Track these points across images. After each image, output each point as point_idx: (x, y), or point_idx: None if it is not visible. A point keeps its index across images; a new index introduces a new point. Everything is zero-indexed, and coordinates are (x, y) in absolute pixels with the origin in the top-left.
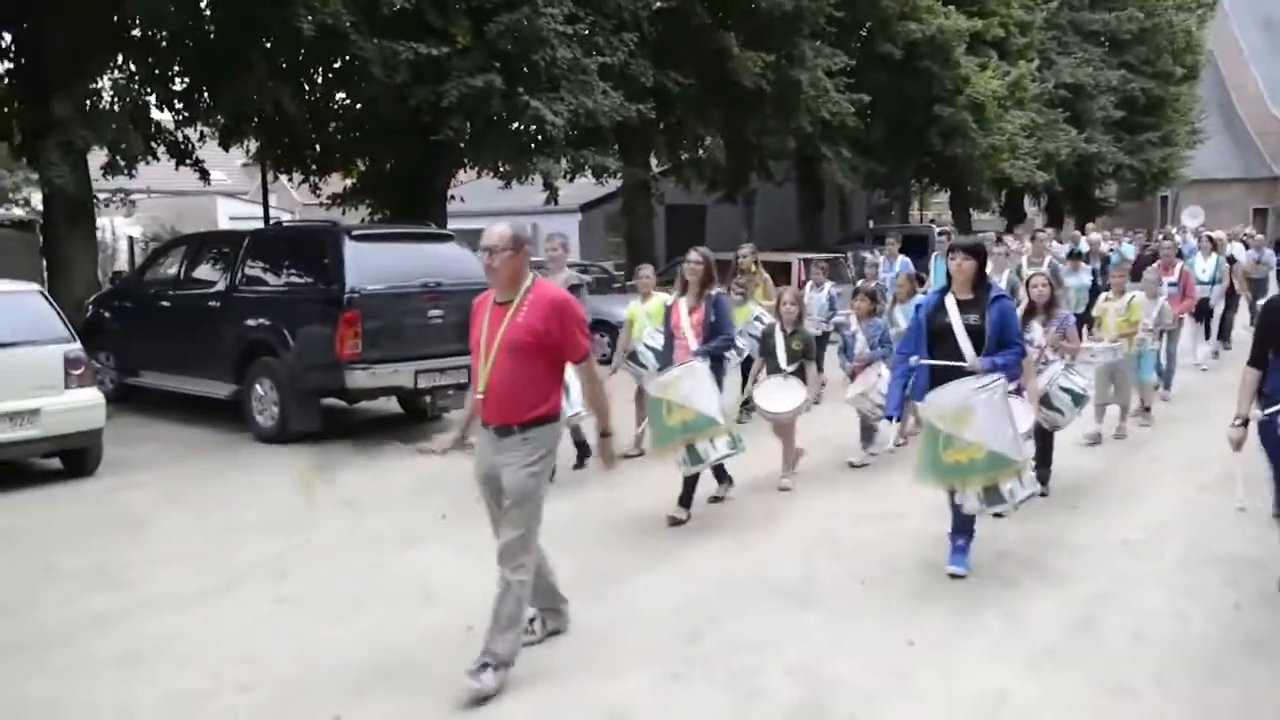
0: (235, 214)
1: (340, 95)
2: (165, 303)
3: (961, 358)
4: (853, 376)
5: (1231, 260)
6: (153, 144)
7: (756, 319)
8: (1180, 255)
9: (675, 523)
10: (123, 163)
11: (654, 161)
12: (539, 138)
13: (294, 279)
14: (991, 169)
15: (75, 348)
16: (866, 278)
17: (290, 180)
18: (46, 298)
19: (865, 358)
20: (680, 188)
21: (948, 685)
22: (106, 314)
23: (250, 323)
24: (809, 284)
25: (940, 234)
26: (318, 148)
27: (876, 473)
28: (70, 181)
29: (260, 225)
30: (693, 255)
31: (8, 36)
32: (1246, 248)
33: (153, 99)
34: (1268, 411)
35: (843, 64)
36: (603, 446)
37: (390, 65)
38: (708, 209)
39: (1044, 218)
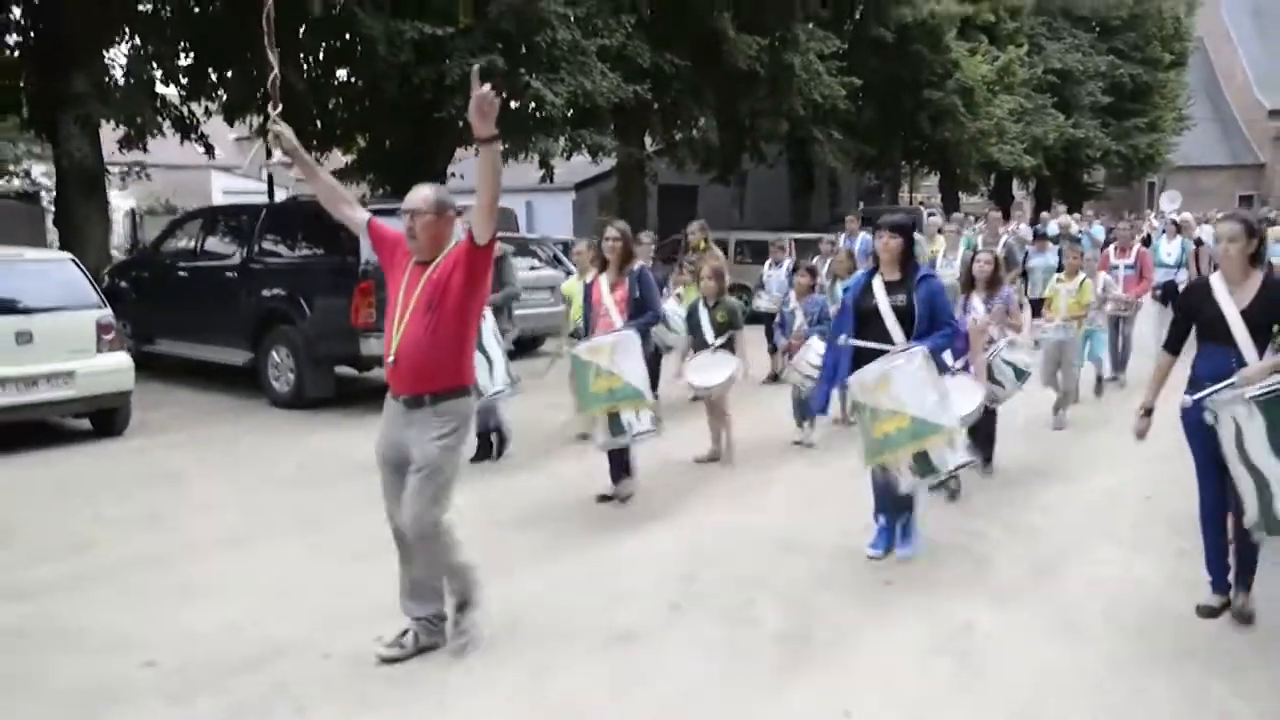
0: (229, 188)
1: (341, 73)
2: (182, 273)
3: (890, 340)
4: (789, 353)
5: (1199, 243)
6: (158, 119)
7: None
8: (1148, 240)
9: (620, 499)
10: (138, 138)
11: (648, 141)
12: (538, 117)
13: (310, 251)
14: (979, 153)
15: (106, 313)
16: (822, 254)
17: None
18: (79, 265)
19: (802, 335)
20: (673, 167)
21: (921, 617)
22: (123, 283)
23: (267, 293)
24: (769, 262)
25: (929, 215)
26: (319, 124)
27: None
28: (88, 155)
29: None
30: (610, 231)
31: (17, 10)
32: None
33: (158, 74)
34: (1195, 397)
35: (835, 47)
36: (479, 99)
37: (394, 44)
38: (699, 189)
39: (1032, 201)
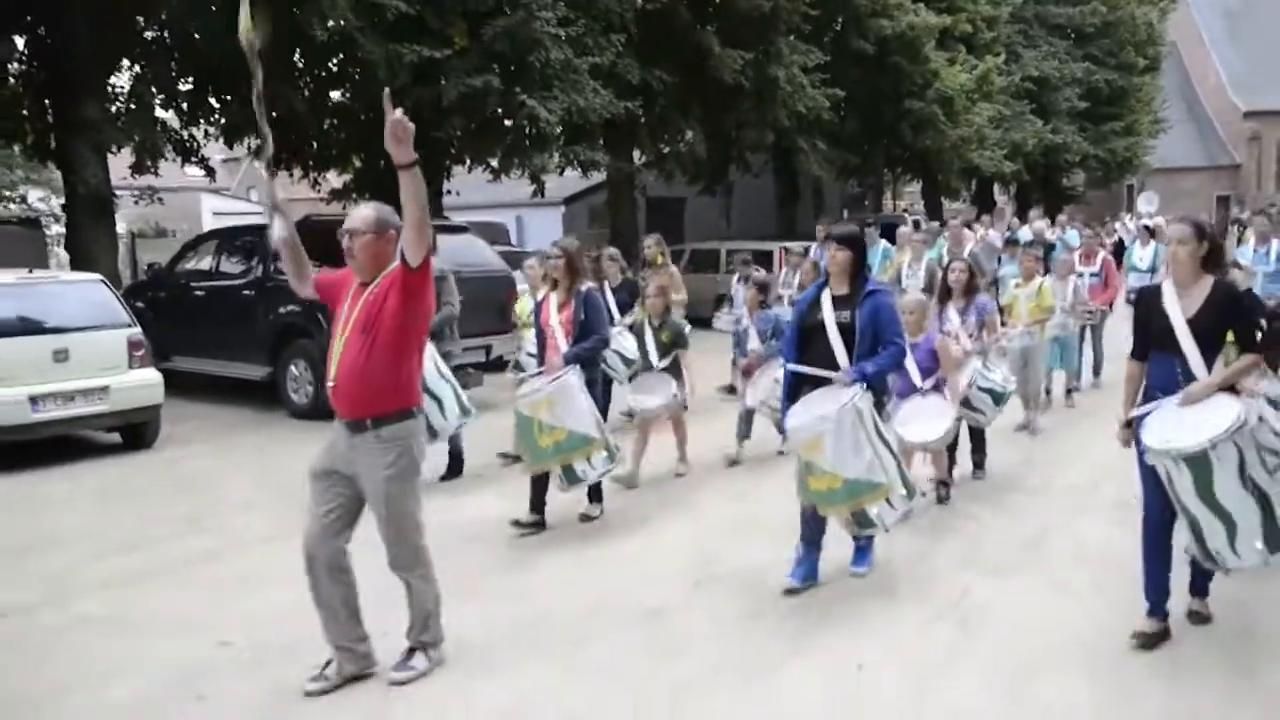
0: (219, 209)
1: (335, 94)
2: (199, 292)
3: (833, 360)
4: (747, 373)
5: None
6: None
7: None
8: (1121, 246)
9: (587, 519)
10: (149, 162)
11: (636, 155)
12: (532, 134)
13: (326, 268)
14: (960, 159)
15: (136, 331)
16: (790, 265)
17: (291, 176)
18: (109, 286)
19: (758, 354)
20: (661, 180)
21: (921, 588)
22: (139, 304)
23: (283, 309)
24: (735, 277)
25: (913, 221)
26: (314, 144)
27: None
28: (101, 180)
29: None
30: (552, 249)
31: (20, 40)
32: None
33: (158, 100)
34: (1136, 412)
35: (818, 60)
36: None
37: (393, 67)
38: (687, 201)
39: (1014, 206)
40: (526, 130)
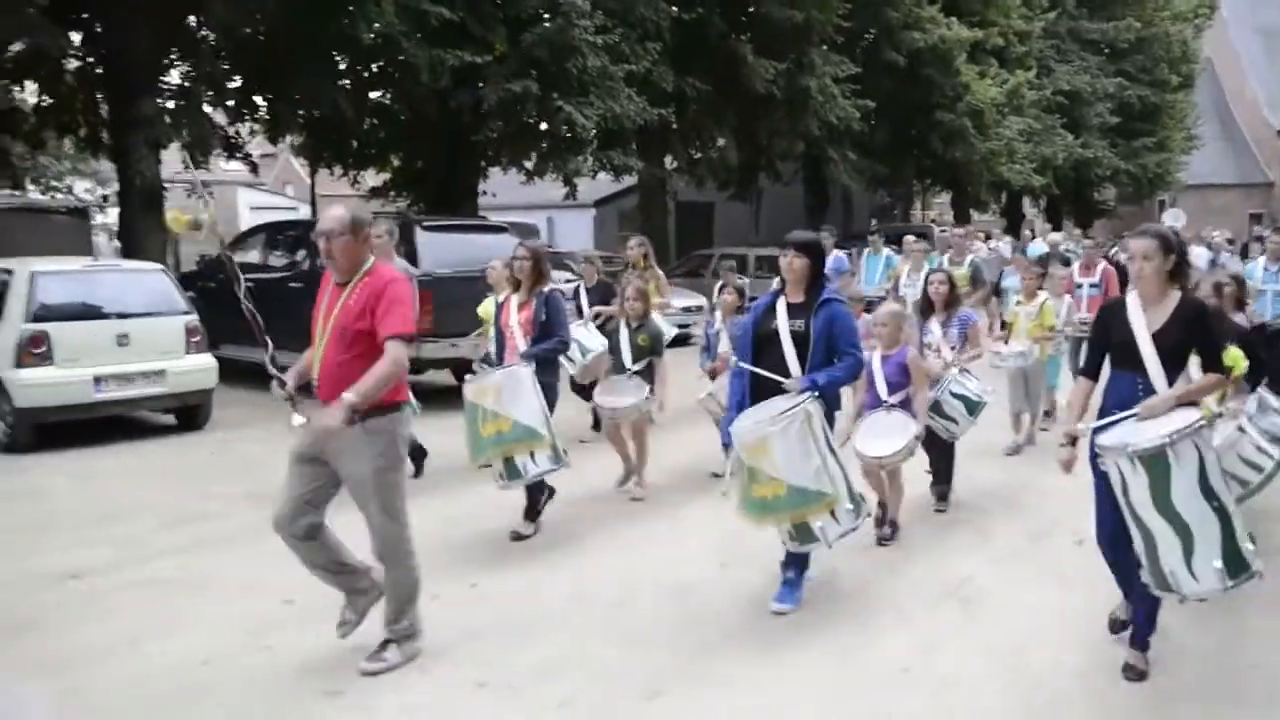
0: (255, 204)
1: (374, 94)
2: (248, 284)
3: (786, 369)
4: (712, 377)
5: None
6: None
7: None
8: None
9: (518, 537)
10: (201, 157)
11: (668, 160)
12: (568, 138)
13: None
14: (990, 172)
15: (193, 318)
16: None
17: (331, 173)
18: (168, 275)
19: (726, 357)
20: (692, 185)
21: (929, 572)
22: (190, 293)
23: None
24: (719, 283)
25: (941, 231)
26: (355, 143)
27: None
28: (156, 174)
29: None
30: (519, 250)
31: (76, 37)
32: (1210, 250)
33: (207, 96)
34: (1093, 425)
35: (850, 71)
36: (339, 404)
37: (435, 71)
38: (715, 206)
39: (1043, 218)
40: (563, 134)
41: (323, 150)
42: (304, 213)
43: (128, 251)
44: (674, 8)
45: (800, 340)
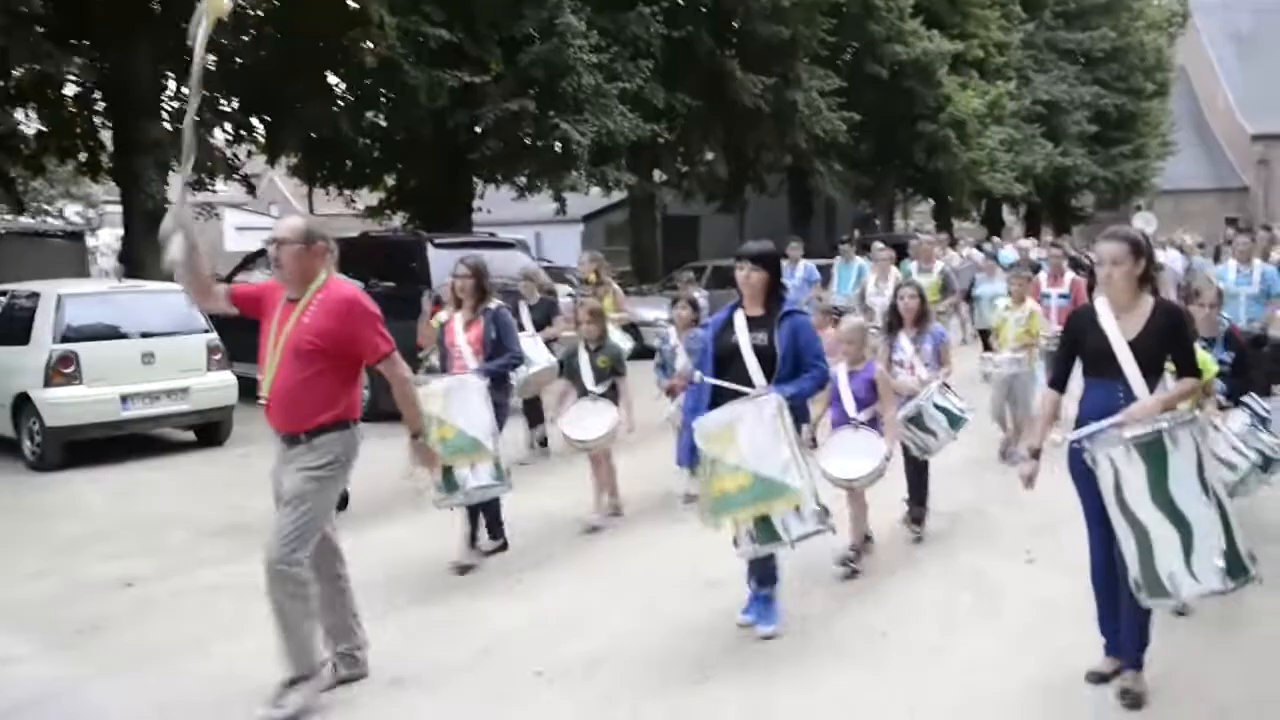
0: (241, 224)
1: (371, 114)
2: None
3: (750, 384)
4: (670, 394)
5: (1158, 268)
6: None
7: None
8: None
9: (462, 570)
10: (208, 180)
11: (657, 174)
12: (563, 155)
13: (383, 280)
14: (972, 181)
15: (214, 337)
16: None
17: (326, 193)
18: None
19: (685, 374)
20: (679, 198)
21: (943, 565)
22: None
23: None
24: (701, 293)
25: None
26: (349, 163)
27: None
28: (164, 196)
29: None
30: (459, 268)
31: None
32: (1184, 254)
33: (203, 119)
34: (1073, 435)
35: (835, 85)
36: (415, 448)
37: (434, 92)
38: (701, 219)
39: (1023, 226)
40: (558, 151)
41: (318, 170)
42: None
43: (132, 273)
44: (664, 26)
45: (764, 354)
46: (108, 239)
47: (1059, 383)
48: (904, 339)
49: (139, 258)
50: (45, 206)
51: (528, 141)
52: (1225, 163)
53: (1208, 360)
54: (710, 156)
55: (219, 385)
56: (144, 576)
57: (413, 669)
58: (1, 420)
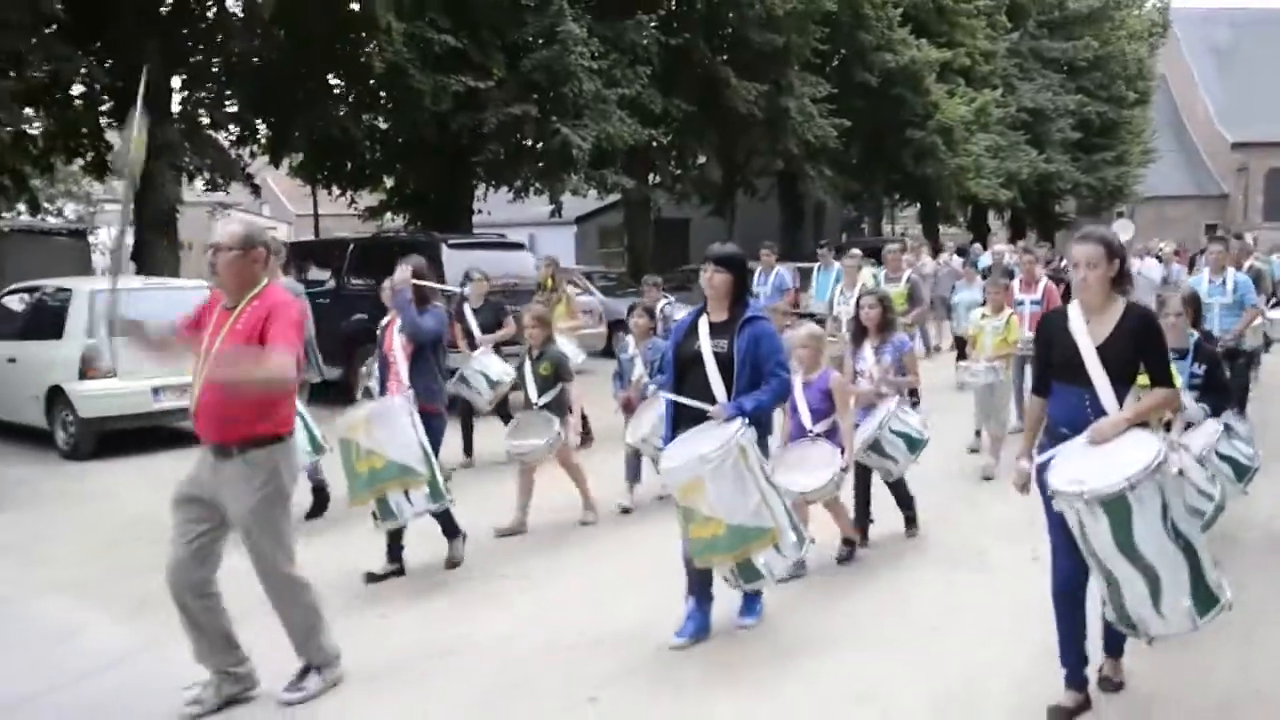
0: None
1: (371, 116)
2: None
3: (710, 394)
4: (626, 408)
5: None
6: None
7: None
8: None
9: (374, 579)
10: (222, 181)
11: (651, 177)
12: (562, 158)
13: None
14: (959, 187)
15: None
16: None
17: (329, 194)
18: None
19: (640, 386)
20: (672, 201)
21: (941, 548)
22: None
23: (355, 316)
24: (665, 299)
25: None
26: (349, 165)
27: None
28: (177, 198)
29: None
30: (401, 269)
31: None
32: (1161, 262)
33: (206, 120)
34: (1039, 460)
35: (826, 92)
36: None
37: (438, 96)
38: (691, 221)
39: (1007, 232)
40: (559, 154)
41: (319, 171)
42: (283, 232)
43: (142, 271)
44: (661, 34)
45: (724, 362)
46: (104, 238)
47: (1042, 389)
48: (867, 349)
49: (151, 256)
50: (45, 205)
51: (528, 145)
52: (1204, 170)
53: (1175, 374)
54: (703, 160)
55: None
56: None
57: (389, 668)
58: (34, 412)
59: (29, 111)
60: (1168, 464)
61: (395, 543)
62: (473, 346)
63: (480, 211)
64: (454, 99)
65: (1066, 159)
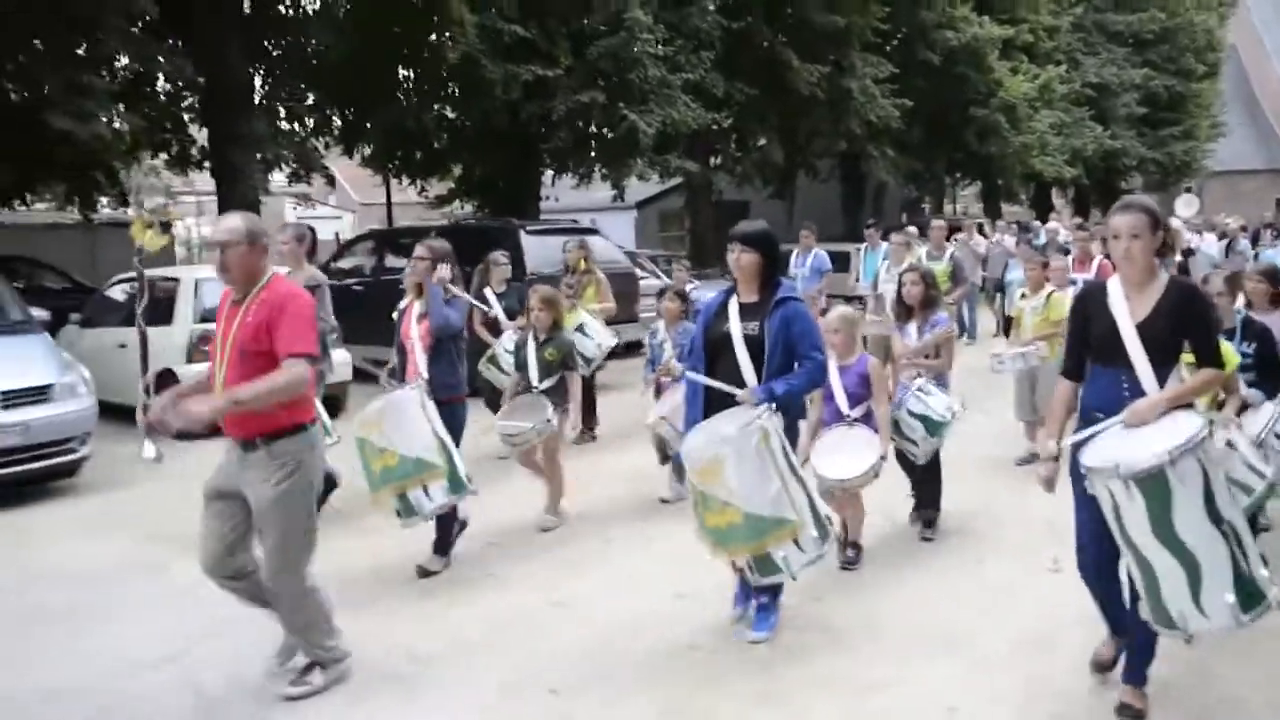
0: (304, 215)
1: (436, 106)
2: (358, 287)
3: (740, 378)
4: (657, 391)
5: (1188, 253)
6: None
7: (579, 329)
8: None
9: (425, 574)
10: (304, 174)
11: (712, 160)
12: (628, 144)
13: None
14: (1023, 165)
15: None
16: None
17: (399, 183)
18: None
19: (670, 368)
20: (733, 184)
21: (950, 560)
22: None
23: None
24: (690, 284)
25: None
26: (418, 154)
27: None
28: (265, 189)
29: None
30: (419, 249)
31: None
32: (1224, 239)
33: (282, 113)
34: (1072, 440)
35: (888, 72)
36: (216, 405)
37: (509, 85)
38: (751, 204)
39: (1071, 209)
40: (625, 140)
41: (390, 161)
42: (347, 220)
43: None
44: (723, 18)
45: (755, 345)
46: (181, 230)
47: (1073, 372)
48: (912, 327)
49: None
50: (130, 198)
51: (595, 131)
52: (1277, 142)
53: (1230, 352)
54: (764, 142)
55: (338, 362)
56: None
57: (394, 667)
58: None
59: (121, 108)
60: (1212, 440)
61: (444, 536)
62: (497, 334)
63: (546, 198)
64: (524, 88)
65: (1132, 134)
